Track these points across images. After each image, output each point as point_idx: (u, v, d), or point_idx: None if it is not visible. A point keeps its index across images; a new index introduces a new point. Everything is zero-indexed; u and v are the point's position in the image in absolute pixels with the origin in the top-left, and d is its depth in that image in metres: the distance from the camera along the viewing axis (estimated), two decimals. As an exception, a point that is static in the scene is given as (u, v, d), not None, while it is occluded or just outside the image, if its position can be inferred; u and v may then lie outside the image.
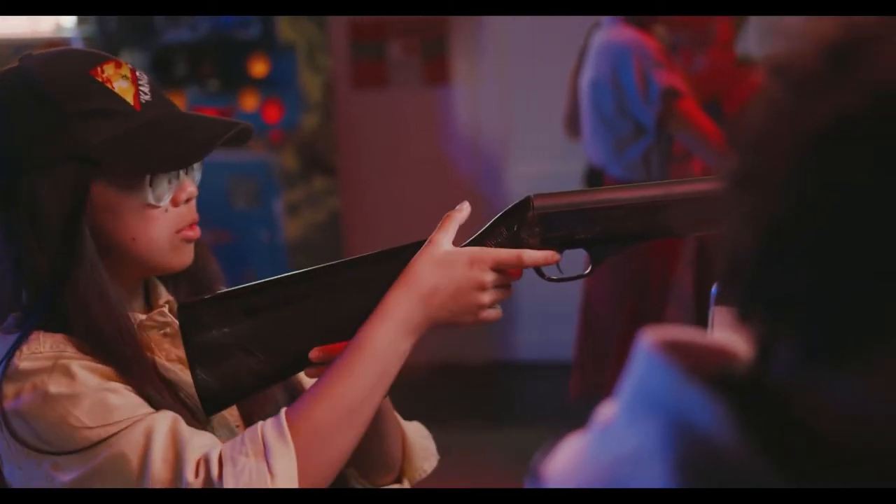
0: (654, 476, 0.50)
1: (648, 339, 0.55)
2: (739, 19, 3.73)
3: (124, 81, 1.21)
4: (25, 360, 1.15)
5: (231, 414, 1.28)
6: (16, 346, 1.16)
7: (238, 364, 1.22)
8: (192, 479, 1.11)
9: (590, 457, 0.56)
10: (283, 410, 1.17)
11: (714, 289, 1.64)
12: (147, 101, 1.21)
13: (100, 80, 1.20)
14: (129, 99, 1.20)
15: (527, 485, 0.60)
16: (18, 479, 1.18)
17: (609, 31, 2.93)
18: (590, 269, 1.25)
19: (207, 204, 1.33)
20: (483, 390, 4.52)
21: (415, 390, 4.12)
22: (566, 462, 0.58)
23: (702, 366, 0.53)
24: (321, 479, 1.16)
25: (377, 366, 1.18)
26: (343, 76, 4.62)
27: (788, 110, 0.51)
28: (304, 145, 4.37)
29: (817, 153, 0.48)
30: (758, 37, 3.64)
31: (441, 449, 1.45)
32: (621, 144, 2.98)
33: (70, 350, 1.16)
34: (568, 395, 3.25)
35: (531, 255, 1.22)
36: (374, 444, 1.28)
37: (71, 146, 1.17)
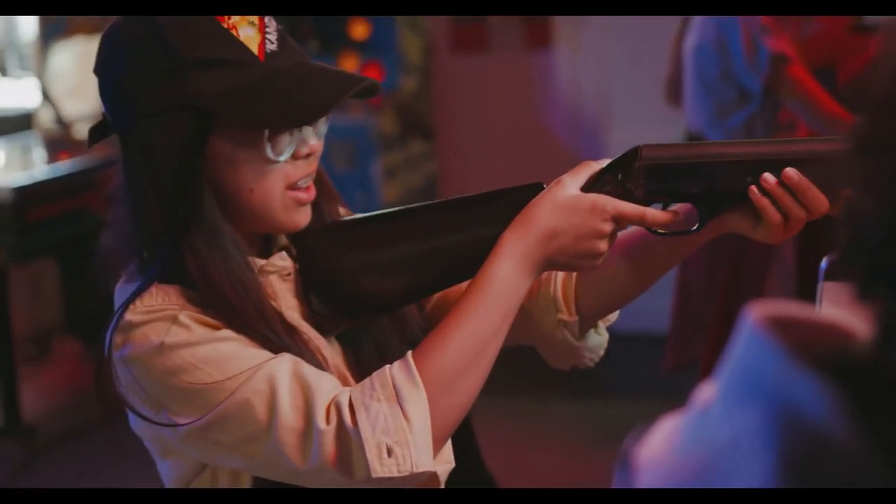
0: (753, 470, 0.47)
1: (754, 314, 0.50)
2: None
3: (250, 28, 1.16)
4: (138, 313, 1.15)
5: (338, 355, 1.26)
6: (130, 300, 1.16)
7: (351, 292, 1.23)
8: (324, 426, 1.10)
9: (684, 444, 0.53)
10: (410, 354, 1.15)
11: (824, 263, 1.58)
12: (272, 51, 1.16)
13: (225, 26, 1.15)
14: (254, 48, 1.15)
15: (617, 471, 0.57)
16: (141, 425, 1.18)
17: None
18: (697, 225, 1.20)
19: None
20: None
21: (502, 359, 4.10)
22: (659, 449, 0.54)
23: (813, 347, 0.48)
24: (451, 422, 1.15)
25: (500, 306, 1.17)
26: (443, 39, 4.59)
27: None
28: (403, 109, 4.36)
29: None
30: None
31: (530, 420, 1.43)
32: (724, 111, 2.91)
33: (184, 302, 1.15)
34: (660, 369, 3.19)
35: (654, 214, 1.19)
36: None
37: (185, 95, 1.13)
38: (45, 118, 4.41)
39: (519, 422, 3.69)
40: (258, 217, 1.20)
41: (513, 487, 1.53)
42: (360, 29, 4.28)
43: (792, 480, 0.46)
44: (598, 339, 1.35)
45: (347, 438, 1.10)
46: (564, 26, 4.53)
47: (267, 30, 1.17)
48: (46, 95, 4.30)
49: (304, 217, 1.22)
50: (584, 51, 4.52)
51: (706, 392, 0.53)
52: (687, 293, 3.08)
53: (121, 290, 1.20)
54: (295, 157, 1.18)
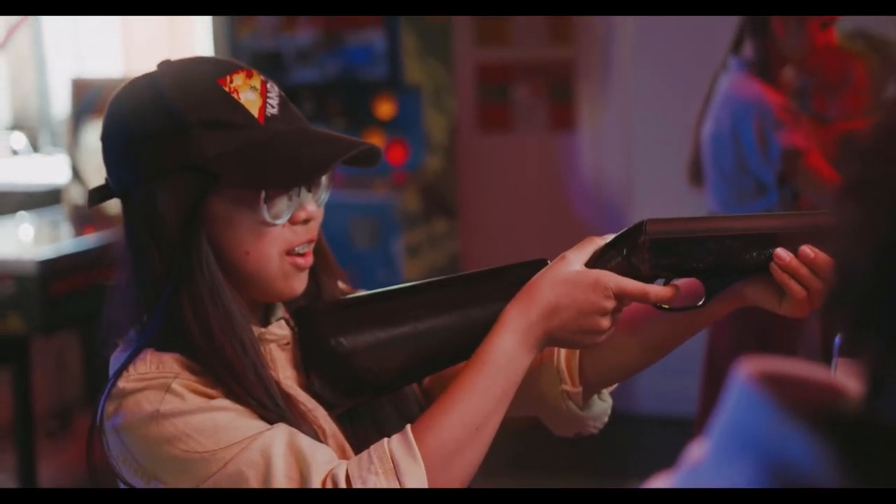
0: None
1: (746, 370, 0.50)
2: (877, 65, 3.61)
3: (252, 93, 1.18)
4: (131, 381, 1.14)
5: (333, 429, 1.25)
6: (124, 366, 1.16)
7: (351, 373, 1.22)
8: None
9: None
10: (409, 427, 1.14)
11: (838, 339, 1.56)
12: (272, 115, 1.18)
13: (227, 89, 1.17)
14: (255, 111, 1.17)
15: None
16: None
17: (732, 81, 2.86)
18: (703, 300, 1.19)
19: (329, 243, 1.32)
20: (600, 442, 4.43)
21: (530, 440, 4.08)
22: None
23: (803, 402, 0.48)
24: None
25: (501, 380, 1.16)
26: (468, 118, 4.63)
27: None
28: (427, 187, 4.38)
29: None
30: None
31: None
32: (743, 199, 2.90)
33: (179, 369, 1.15)
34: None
35: (657, 291, 1.18)
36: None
37: (189, 156, 1.15)
38: (75, 194, 4.47)
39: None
40: (254, 281, 1.20)
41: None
42: (386, 108, 4.32)
43: None
44: (602, 405, 1.35)
45: None
46: (588, 107, 4.56)
47: (268, 94, 1.19)
48: (76, 172, 4.36)
49: (300, 284, 1.22)
50: (608, 132, 4.54)
51: (697, 450, 0.53)
52: (714, 374, 3.05)
53: (116, 359, 1.20)
54: (293, 221, 1.19)
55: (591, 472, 4.00)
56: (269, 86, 1.20)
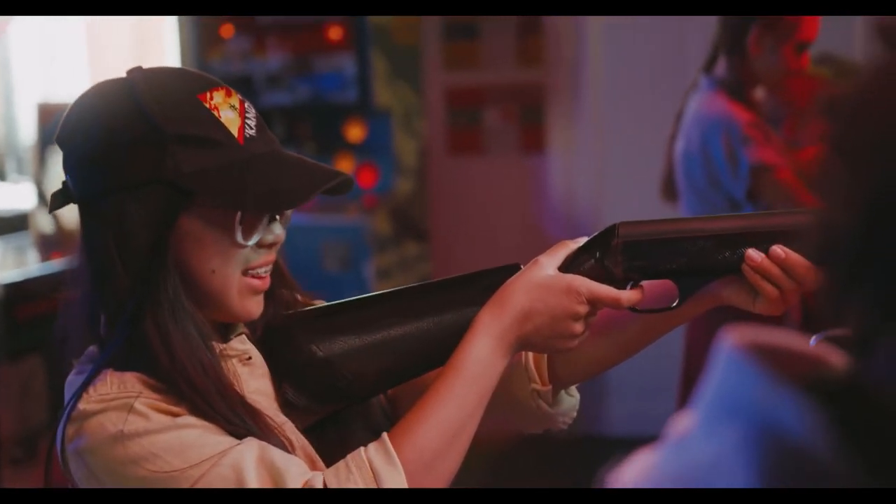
0: (736, 485, 0.46)
1: (732, 341, 0.49)
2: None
3: (231, 112, 1.15)
4: (91, 402, 1.10)
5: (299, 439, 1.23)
6: (83, 388, 1.11)
7: (326, 381, 1.20)
8: None
9: (663, 468, 0.51)
10: (386, 435, 1.13)
11: (813, 340, 1.56)
12: (251, 136, 1.15)
13: (207, 105, 1.14)
14: (234, 131, 1.14)
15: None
16: None
17: (702, 99, 2.87)
18: (677, 302, 1.19)
19: (300, 266, 1.30)
20: (570, 464, 4.41)
21: (499, 462, 4.07)
22: (636, 476, 0.53)
23: (791, 369, 0.48)
24: None
25: (476, 387, 1.16)
26: (438, 142, 4.63)
27: (893, 71, 0.46)
28: (398, 210, 4.38)
29: None
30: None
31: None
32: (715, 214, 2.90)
33: (141, 388, 1.11)
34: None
35: (629, 296, 1.18)
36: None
37: (165, 170, 1.11)
38: (41, 220, 4.42)
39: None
40: (214, 301, 1.17)
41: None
42: (356, 131, 4.32)
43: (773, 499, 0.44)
44: (571, 401, 1.34)
45: None
46: (558, 130, 4.58)
47: (247, 115, 1.17)
48: (43, 198, 4.32)
49: (256, 306, 1.20)
50: (578, 154, 4.55)
51: (681, 423, 0.52)
52: (691, 372, 3.03)
53: (72, 382, 1.16)
54: (260, 244, 1.17)
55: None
56: (246, 105, 1.18)
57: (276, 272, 1.24)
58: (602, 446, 4.51)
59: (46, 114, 4.45)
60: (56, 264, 3.68)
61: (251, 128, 1.16)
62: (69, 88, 5.08)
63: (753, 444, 0.45)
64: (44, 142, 4.60)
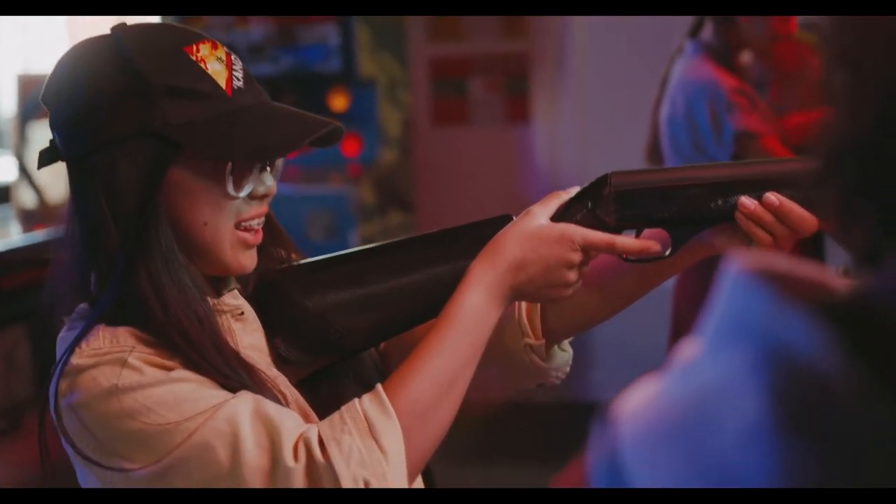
0: (745, 407, 0.45)
1: (739, 265, 0.49)
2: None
3: (218, 64, 1.14)
4: (84, 357, 1.10)
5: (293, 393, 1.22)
6: (76, 343, 1.11)
7: (319, 334, 1.20)
8: (293, 464, 1.06)
9: (669, 395, 0.50)
10: (380, 386, 1.12)
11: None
12: (239, 88, 1.14)
13: (193, 58, 1.13)
14: (222, 82, 1.13)
15: (595, 430, 0.54)
16: (90, 478, 1.13)
17: (688, 64, 2.87)
18: (670, 251, 1.19)
19: (285, 235, 1.30)
20: (557, 431, 4.43)
21: (486, 428, 4.08)
22: (641, 403, 0.52)
23: (798, 293, 0.47)
24: (424, 455, 1.12)
25: (470, 337, 1.15)
26: (423, 112, 4.61)
27: None
28: (382, 180, 4.37)
29: None
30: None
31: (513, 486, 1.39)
32: None
33: (134, 343, 1.11)
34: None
35: (623, 242, 1.17)
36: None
37: (153, 123, 1.11)
38: (23, 194, 4.39)
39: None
40: (207, 253, 1.16)
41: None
42: (339, 101, 4.30)
43: (785, 419, 0.44)
44: (564, 356, 1.34)
45: (319, 475, 1.06)
46: (543, 100, 4.57)
47: (234, 67, 1.15)
48: (24, 171, 4.29)
49: (249, 260, 1.19)
50: (563, 124, 4.54)
51: (686, 351, 0.52)
52: (681, 331, 3.04)
53: (63, 338, 1.15)
54: (251, 196, 1.16)
55: (554, 459, 3.99)
56: (233, 58, 1.17)
57: (270, 229, 1.24)
58: (585, 411, 4.52)
59: (27, 85, 4.42)
60: (39, 235, 3.66)
61: (239, 80, 1.15)
62: (49, 59, 5.03)
63: (762, 365, 0.45)
64: (24, 114, 4.56)
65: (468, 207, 4.62)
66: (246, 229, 1.17)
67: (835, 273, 0.49)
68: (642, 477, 0.49)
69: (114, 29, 1.16)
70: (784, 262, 0.50)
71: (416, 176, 4.56)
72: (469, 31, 4.56)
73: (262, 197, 1.18)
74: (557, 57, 4.53)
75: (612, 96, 4.39)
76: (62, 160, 1.17)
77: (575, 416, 4.72)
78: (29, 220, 4.12)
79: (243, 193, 1.15)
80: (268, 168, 1.18)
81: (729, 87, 2.78)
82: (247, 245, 1.18)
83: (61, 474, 1.18)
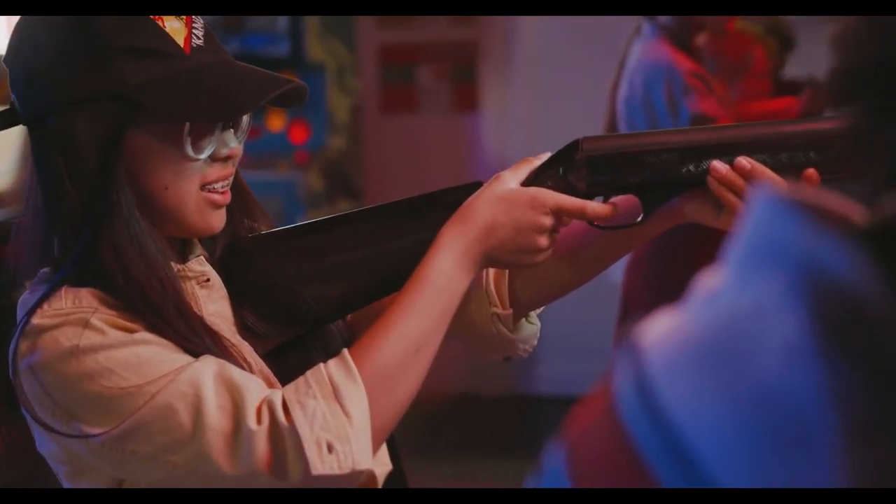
0: (783, 332, 0.45)
1: (766, 191, 0.48)
2: (777, 50, 3.67)
3: (177, 22, 1.12)
4: (46, 317, 1.08)
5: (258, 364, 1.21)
6: (38, 304, 1.09)
7: (287, 305, 1.19)
8: (255, 426, 1.04)
9: (698, 318, 0.49)
10: (346, 351, 1.10)
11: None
12: (198, 46, 1.12)
13: (151, 17, 1.11)
14: (180, 41, 1.11)
15: (620, 356, 0.52)
16: (49, 444, 1.10)
17: (645, 46, 2.87)
18: (641, 217, 1.18)
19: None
20: (502, 423, 4.44)
21: (433, 421, 4.06)
22: (668, 329, 0.51)
23: (831, 219, 0.47)
24: (390, 421, 1.11)
25: (439, 301, 1.13)
26: (372, 99, 4.58)
27: None
28: (331, 167, 4.34)
29: None
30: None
31: (458, 481, 1.38)
32: None
33: (97, 304, 1.09)
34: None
35: (594, 207, 1.16)
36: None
37: (111, 83, 1.09)
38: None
39: (461, 485, 3.64)
40: (171, 217, 1.14)
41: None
42: (287, 87, 4.25)
43: (829, 341, 0.43)
44: (532, 328, 1.33)
45: (281, 438, 1.04)
46: (492, 89, 4.56)
47: (194, 25, 1.13)
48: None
49: (218, 220, 1.16)
50: (511, 113, 4.54)
51: (708, 281, 0.50)
52: (628, 316, 3.05)
53: (25, 300, 1.13)
54: (214, 158, 1.14)
55: (500, 452, 4.00)
56: (193, 17, 1.14)
57: (240, 195, 1.21)
58: (533, 405, 4.54)
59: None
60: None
61: (198, 38, 1.13)
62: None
63: (801, 287, 0.44)
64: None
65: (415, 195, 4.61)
66: (212, 191, 1.15)
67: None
68: (675, 400, 0.48)
69: None
70: (811, 192, 0.49)
71: (364, 163, 4.53)
72: (418, 17, 4.53)
73: (226, 159, 1.15)
74: (506, 46, 4.52)
75: (560, 85, 4.39)
76: (21, 123, 1.15)
77: (518, 409, 4.74)
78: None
79: (203, 155, 1.13)
80: (231, 129, 1.15)
81: (686, 69, 2.79)
82: (215, 205, 1.15)
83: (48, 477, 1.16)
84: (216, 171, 1.14)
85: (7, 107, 1.16)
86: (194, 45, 1.12)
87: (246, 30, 4.27)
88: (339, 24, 4.37)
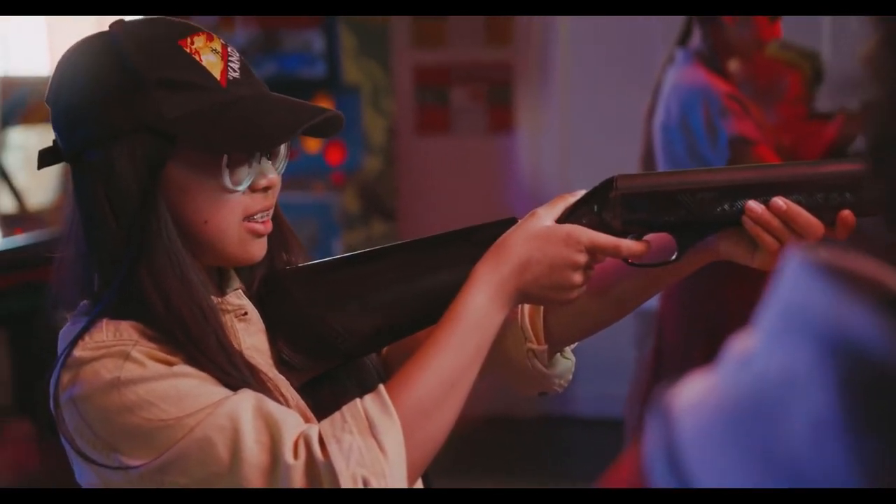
0: (812, 398, 0.45)
1: (800, 256, 0.49)
2: (811, 76, 3.65)
3: (213, 55, 1.13)
4: (87, 350, 1.10)
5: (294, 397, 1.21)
6: (80, 335, 1.10)
7: (321, 338, 1.20)
8: (293, 461, 1.05)
9: (729, 384, 0.49)
10: (382, 386, 1.11)
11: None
12: (234, 79, 1.14)
13: (188, 50, 1.13)
14: (217, 74, 1.13)
15: (650, 421, 0.53)
16: (88, 475, 1.12)
17: (680, 72, 2.87)
18: (676, 255, 1.18)
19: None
20: (538, 444, 4.43)
21: (469, 442, 4.06)
22: (699, 393, 0.51)
23: (859, 286, 0.47)
24: (426, 454, 1.11)
25: (474, 337, 1.14)
26: (406, 120, 4.60)
27: None
28: (366, 188, 4.35)
29: None
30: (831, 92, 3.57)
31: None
32: None
33: (137, 337, 1.10)
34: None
35: (629, 245, 1.17)
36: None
37: (149, 116, 1.10)
38: (2, 197, 4.35)
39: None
40: (211, 249, 1.16)
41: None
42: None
43: (857, 416, 0.44)
44: (566, 363, 1.33)
45: (318, 473, 1.05)
46: (526, 110, 4.57)
47: (230, 58, 1.15)
48: (4, 174, 4.25)
49: (259, 249, 1.18)
50: (546, 134, 4.55)
51: (741, 344, 0.51)
52: (661, 366, 3.04)
53: (66, 332, 1.14)
54: (253, 189, 1.15)
55: (536, 473, 3.99)
56: (229, 49, 1.16)
57: (279, 228, 1.22)
58: (567, 426, 4.53)
59: (8, 87, 4.38)
60: (19, 240, 3.63)
61: (234, 70, 1.14)
62: (29, 62, 5.00)
63: (829, 358, 0.44)
64: (4, 118, 4.52)
65: (451, 216, 4.61)
66: (253, 221, 1.16)
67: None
68: (704, 469, 0.48)
69: (111, 26, 1.16)
70: (844, 257, 0.49)
71: (399, 184, 4.55)
72: (453, 38, 4.56)
73: (265, 189, 1.16)
74: (540, 66, 4.53)
75: (594, 106, 4.40)
76: (63, 160, 1.17)
77: (551, 430, 4.72)
78: (9, 224, 4.08)
79: (242, 187, 1.14)
80: (269, 160, 1.17)
81: (723, 91, 2.78)
82: (256, 234, 1.17)
83: (60, 475, 1.17)
84: (257, 202, 1.16)
85: (50, 144, 1.18)
86: (230, 78, 1.13)
87: (283, 51, 4.31)
88: (374, 45, 4.40)
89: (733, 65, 2.93)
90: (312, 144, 4.27)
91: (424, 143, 4.62)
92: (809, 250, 0.49)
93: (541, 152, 4.56)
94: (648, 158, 3.07)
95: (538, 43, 4.52)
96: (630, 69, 4.07)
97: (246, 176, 1.14)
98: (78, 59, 1.16)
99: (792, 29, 2.89)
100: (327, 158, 4.27)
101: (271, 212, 1.18)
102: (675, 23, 2.92)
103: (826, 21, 3.96)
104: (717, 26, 2.80)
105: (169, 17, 1.21)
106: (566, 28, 4.45)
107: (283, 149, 1.19)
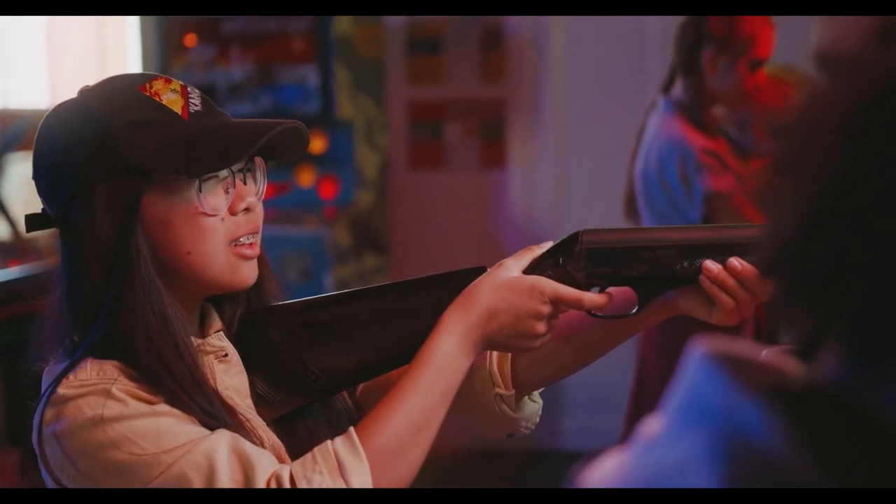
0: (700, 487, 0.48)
1: (701, 348, 0.52)
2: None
3: (173, 94, 1.19)
4: (71, 387, 1.14)
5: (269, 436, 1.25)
6: (63, 374, 1.15)
7: (296, 376, 1.24)
8: None
9: (631, 469, 0.53)
10: (352, 428, 1.16)
11: (766, 352, 1.61)
12: (196, 112, 1.19)
13: (147, 94, 1.18)
14: (178, 110, 1.18)
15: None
16: None
17: (660, 121, 2.90)
18: (637, 308, 1.23)
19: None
20: (524, 479, 4.44)
21: (454, 476, 4.07)
22: (606, 474, 0.54)
23: (755, 378, 0.50)
24: None
25: (441, 381, 1.19)
26: (400, 155, 4.65)
27: (833, 92, 0.49)
28: (358, 222, 4.39)
29: (862, 126, 0.47)
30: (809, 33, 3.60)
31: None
32: None
33: (118, 376, 1.14)
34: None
35: (591, 298, 1.21)
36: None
37: (120, 158, 1.15)
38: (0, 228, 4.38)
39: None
40: (200, 279, 1.20)
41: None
42: (317, 143, 4.33)
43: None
44: (533, 406, 1.37)
45: None
46: (519, 146, 4.61)
47: (190, 95, 1.20)
48: (2, 205, 4.28)
49: (250, 274, 1.22)
50: (539, 170, 4.59)
51: (651, 425, 0.54)
52: (642, 397, 3.06)
53: (51, 370, 1.19)
54: (232, 211, 1.19)
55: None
56: (189, 88, 1.22)
57: (260, 271, 1.25)
58: (554, 460, 4.53)
59: (6, 119, 4.41)
60: (14, 272, 3.66)
61: (196, 105, 1.19)
62: (28, 95, 5.05)
63: (718, 452, 0.47)
64: (3, 148, 4.56)
65: (443, 252, 4.65)
66: (240, 245, 1.20)
67: (773, 353, 0.52)
68: None
69: (79, 92, 1.22)
70: (742, 347, 0.52)
71: (391, 219, 4.59)
72: (447, 75, 4.61)
73: (246, 210, 1.20)
74: (534, 102, 4.58)
75: (587, 143, 4.44)
76: (51, 225, 1.21)
77: (538, 464, 4.73)
78: (5, 255, 4.11)
79: (220, 211, 1.18)
80: (244, 183, 1.20)
81: (699, 146, 2.81)
82: (245, 258, 1.20)
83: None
84: (241, 225, 1.19)
85: (38, 211, 1.23)
86: (192, 111, 1.18)
87: (279, 86, 4.36)
88: (369, 81, 4.45)
89: (717, 111, 2.97)
90: (306, 178, 4.31)
91: (418, 177, 4.66)
92: (711, 341, 0.53)
93: (533, 187, 4.60)
94: (630, 203, 3.12)
95: (531, 79, 4.57)
96: (623, 107, 4.11)
97: (222, 200, 1.18)
98: (52, 124, 1.21)
99: (779, 51, 2.93)
100: (320, 193, 4.31)
101: (258, 236, 1.22)
102: (668, 64, 2.96)
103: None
104: (699, 76, 2.84)
105: (129, 72, 1.29)
106: (559, 65, 4.51)
107: (259, 173, 1.22)
